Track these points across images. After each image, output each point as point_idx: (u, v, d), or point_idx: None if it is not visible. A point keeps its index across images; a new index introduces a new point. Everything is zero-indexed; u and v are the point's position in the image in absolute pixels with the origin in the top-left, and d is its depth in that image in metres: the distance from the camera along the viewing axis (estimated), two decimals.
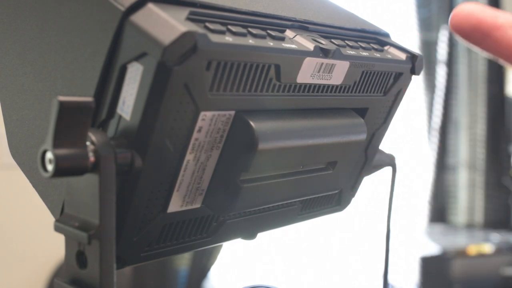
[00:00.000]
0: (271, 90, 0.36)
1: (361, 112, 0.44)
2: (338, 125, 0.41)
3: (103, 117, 0.32)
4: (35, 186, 0.38)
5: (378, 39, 0.46)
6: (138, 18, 0.30)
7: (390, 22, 2.13)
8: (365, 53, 0.42)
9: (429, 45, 2.25)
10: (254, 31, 0.34)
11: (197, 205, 0.37)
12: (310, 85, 0.39)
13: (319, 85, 0.39)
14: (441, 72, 2.21)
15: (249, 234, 0.43)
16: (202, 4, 0.33)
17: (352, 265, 2.04)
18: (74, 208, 0.32)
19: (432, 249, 1.86)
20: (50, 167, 0.29)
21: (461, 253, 1.84)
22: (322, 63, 0.38)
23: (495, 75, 2.25)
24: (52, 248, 1.39)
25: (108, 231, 0.30)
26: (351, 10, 0.48)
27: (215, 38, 0.31)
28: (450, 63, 2.23)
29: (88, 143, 0.30)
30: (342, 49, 0.39)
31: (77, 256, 0.32)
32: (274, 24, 0.37)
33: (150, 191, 0.33)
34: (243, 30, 0.33)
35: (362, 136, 0.43)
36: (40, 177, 0.37)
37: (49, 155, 0.28)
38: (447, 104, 2.23)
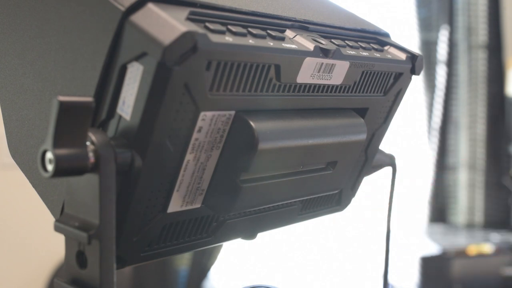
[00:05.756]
0: (271, 90, 0.36)
1: (361, 112, 0.44)
2: (338, 125, 0.41)
3: (103, 117, 0.32)
4: (35, 186, 0.38)
5: (378, 39, 0.46)
6: (138, 18, 0.30)
7: (390, 22, 2.12)
8: (365, 53, 0.42)
9: (429, 45, 2.25)
10: (254, 31, 0.34)
11: (197, 205, 0.37)
12: (310, 85, 0.38)
13: (319, 85, 0.39)
14: (441, 72, 2.21)
15: (249, 234, 0.43)
16: (202, 4, 0.33)
17: (352, 265, 2.04)
18: (74, 208, 0.32)
19: (432, 249, 1.86)
20: (50, 167, 0.29)
21: (461, 253, 1.84)
22: (322, 63, 0.38)
23: (495, 75, 2.25)
24: (52, 248, 1.39)
25: (108, 231, 0.30)
26: (351, 10, 0.47)
27: (215, 38, 0.31)
28: (450, 63, 2.22)
29: (88, 143, 0.30)
30: (342, 49, 0.39)
31: (77, 256, 0.32)
32: (274, 24, 0.37)
33: (150, 191, 0.33)
34: (243, 30, 0.33)
35: (362, 136, 0.43)
36: (40, 177, 0.37)
37: (49, 155, 0.28)
38: (447, 104, 2.22)
